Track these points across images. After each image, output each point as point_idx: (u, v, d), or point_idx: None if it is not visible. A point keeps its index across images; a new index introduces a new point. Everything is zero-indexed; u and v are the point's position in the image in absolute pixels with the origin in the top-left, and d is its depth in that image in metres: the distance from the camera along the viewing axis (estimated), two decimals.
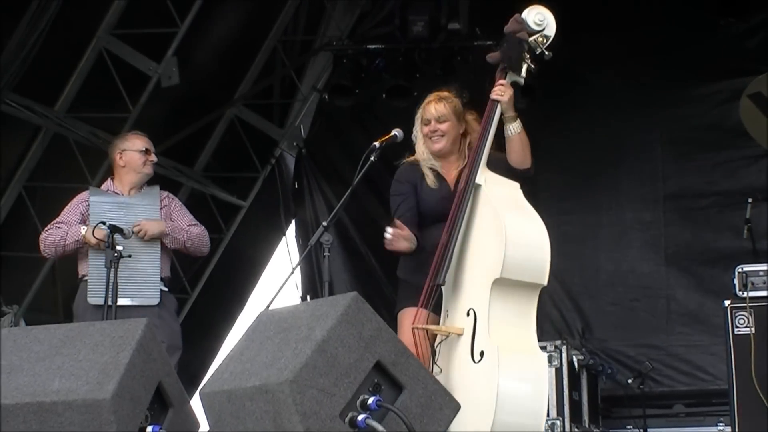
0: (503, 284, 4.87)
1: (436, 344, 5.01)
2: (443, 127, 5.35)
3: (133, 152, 6.38)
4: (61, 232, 6.18)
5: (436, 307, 5.09)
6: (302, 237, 10.07)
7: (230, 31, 9.14)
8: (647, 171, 9.11)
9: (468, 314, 4.94)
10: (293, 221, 10.28)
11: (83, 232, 6.10)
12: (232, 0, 8.93)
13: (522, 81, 5.22)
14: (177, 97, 8.85)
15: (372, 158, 5.39)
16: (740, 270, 6.69)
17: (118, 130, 6.82)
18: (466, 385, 4.83)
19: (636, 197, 9.15)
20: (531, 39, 5.17)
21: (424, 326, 4.99)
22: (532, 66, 5.19)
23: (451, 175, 5.36)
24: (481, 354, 4.83)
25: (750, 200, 7.81)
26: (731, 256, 8.03)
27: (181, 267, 8.64)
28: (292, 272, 5.54)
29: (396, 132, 5.52)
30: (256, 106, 9.96)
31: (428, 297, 5.01)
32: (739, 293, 6.60)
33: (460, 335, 4.93)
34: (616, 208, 9.20)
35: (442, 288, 5.04)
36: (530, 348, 4.92)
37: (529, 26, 5.18)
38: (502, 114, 5.18)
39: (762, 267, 6.73)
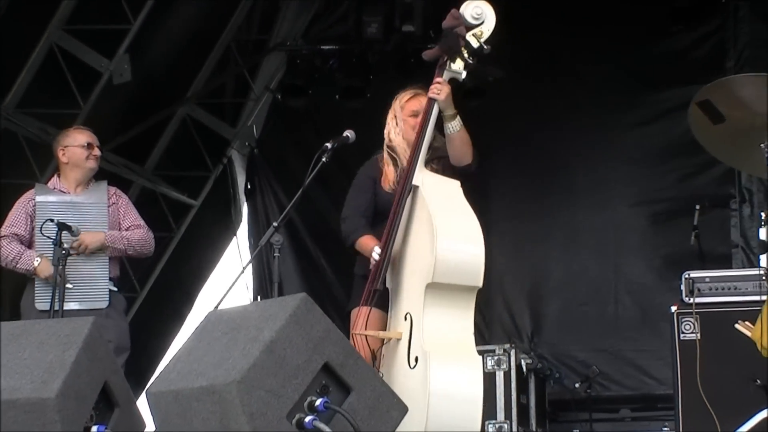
0: (437, 288, 4.85)
1: (378, 349, 5.01)
2: None
3: (75, 147, 6.32)
4: (14, 252, 6.12)
5: (386, 306, 5.09)
6: (253, 237, 10.04)
7: (183, 29, 9.08)
8: (598, 176, 9.17)
9: (405, 318, 4.94)
10: (244, 221, 10.25)
11: (36, 264, 6.06)
12: None
13: (461, 76, 5.19)
14: (129, 95, 8.78)
15: (324, 159, 5.40)
16: (687, 276, 6.75)
17: (68, 126, 6.75)
18: (402, 390, 4.80)
19: (587, 202, 9.20)
20: (469, 33, 5.15)
21: (364, 332, 4.98)
22: (471, 61, 5.17)
23: None
24: (416, 360, 4.84)
25: (698, 207, 7.89)
26: (679, 262, 8.10)
27: (131, 266, 8.58)
28: (242, 272, 5.51)
29: (348, 133, 5.53)
30: (209, 105, 9.91)
31: (370, 299, 5.01)
32: (686, 299, 6.66)
33: (399, 340, 4.93)
34: (567, 212, 9.25)
35: (389, 289, 5.05)
36: (465, 352, 4.89)
37: (466, 20, 5.15)
38: (441, 112, 5.17)
39: (708, 273, 6.80)
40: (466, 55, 5.14)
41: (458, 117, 5.20)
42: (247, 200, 10.17)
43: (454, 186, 5.10)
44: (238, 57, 9.76)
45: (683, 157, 8.59)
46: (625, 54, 8.95)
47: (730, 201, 8.83)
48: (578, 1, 8.77)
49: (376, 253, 5.09)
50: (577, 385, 8.39)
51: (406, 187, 5.06)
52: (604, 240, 9.13)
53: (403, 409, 4.15)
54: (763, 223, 5.06)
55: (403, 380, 4.87)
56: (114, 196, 6.41)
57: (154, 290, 9.79)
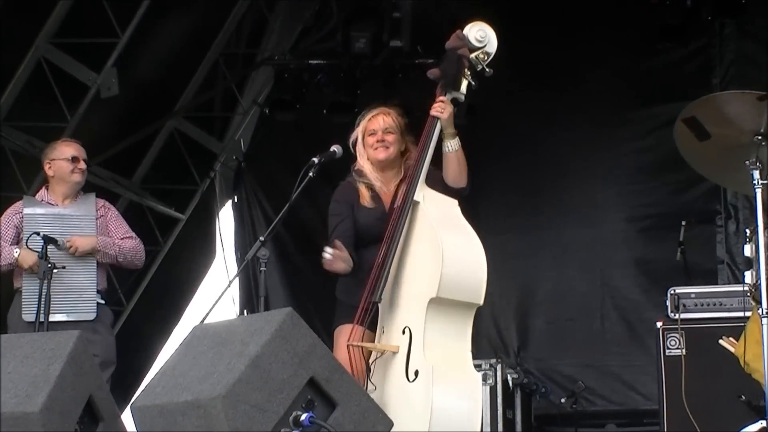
0: (439, 303, 4.88)
1: (371, 361, 5.02)
2: (389, 138, 5.36)
3: (60, 161, 6.31)
4: None
5: (372, 325, 5.10)
6: (240, 251, 10.03)
7: (172, 43, 9.09)
8: (586, 192, 9.19)
9: (404, 332, 4.94)
10: (232, 236, 10.24)
11: (16, 254, 6.04)
12: (174, 12, 8.88)
13: (462, 97, 5.23)
14: (116, 108, 8.78)
15: (311, 174, 5.40)
16: (672, 292, 6.78)
17: (55, 139, 6.74)
18: (400, 404, 4.83)
19: (574, 217, 9.23)
20: (472, 55, 5.19)
21: (359, 343, 4.99)
22: (473, 83, 5.21)
23: (388, 193, 5.37)
24: (416, 373, 4.84)
25: (684, 223, 7.93)
26: (665, 277, 8.12)
27: (117, 279, 8.57)
28: (228, 286, 5.52)
29: (335, 148, 5.54)
30: (197, 118, 9.91)
31: (364, 314, 5.01)
32: (671, 315, 6.69)
33: (395, 353, 4.94)
34: (554, 228, 9.27)
35: (379, 305, 5.05)
36: (465, 367, 4.93)
37: (470, 42, 5.19)
38: (441, 130, 5.20)
39: (694, 289, 6.83)
40: (468, 77, 5.16)
41: (457, 137, 5.22)
42: (234, 214, 10.16)
43: (452, 204, 5.14)
44: (226, 71, 9.77)
45: (670, 172, 8.62)
46: (614, 70, 9.00)
47: (716, 217, 8.87)
48: (567, 19, 8.82)
49: (326, 253, 5.08)
50: (563, 400, 8.39)
51: (407, 202, 5.08)
52: (591, 255, 9.15)
53: (388, 425, 4.16)
54: (747, 240, 5.07)
55: (399, 394, 4.88)
56: (102, 209, 6.40)
57: (141, 304, 9.78)
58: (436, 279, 4.84)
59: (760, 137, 4.88)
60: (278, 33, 9.77)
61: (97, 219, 6.32)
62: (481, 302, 4.95)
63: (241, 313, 9.60)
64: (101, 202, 6.45)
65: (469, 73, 5.19)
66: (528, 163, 9.18)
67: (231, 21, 9.50)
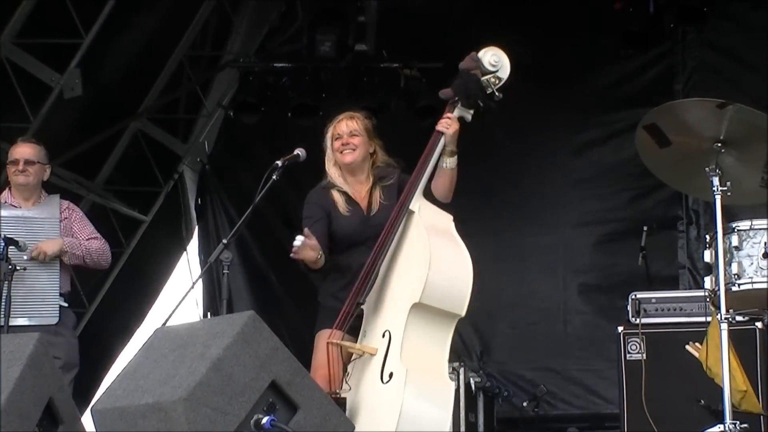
0: (421, 309, 4.92)
1: (349, 363, 5.04)
2: (355, 141, 5.39)
3: (7, 164, 6.28)
4: None
5: (353, 330, 5.12)
6: (204, 253, 10.01)
7: (136, 44, 9.06)
8: (548, 196, 9.24)
9: (383, 335, 4.98)
10: (195, 237, 10.21)
11: None
12: (138, 13, 8.85)
13: (469, 117, 5.30)
14: (80, 109, 8.74)
15: (274, 176, 5.42)
16: (633, 297, 6.84)
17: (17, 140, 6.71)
18: (371, 405, 4.87)
19: (537, 221, 9.27)
20: (483, 78, 5.26)
21: (338, 342, 5.01)
22: (482, 105, 5.27)
23: (361, 196, 5.40)
24: (390, 375, 4.88)
25: (646, 228, 7.99)
26: (627, 282, 8.17)
27: (79, 280, 8.50)
28: (190, 289, 5.52)
29: (299, 151, 5.55)
30: (161, 120, 9.87)
31: (346, 317, 5.04)
32: (632, 319, 6.74)
33: (373, 355, 4.97)
34: (517, 232, 9.30)
35: (363, 309, 5.08)
36: (440, 375, 4.97)
37: (483, 66, 5.28)
38: (444, 146, 5.24)
39: (654, 294, 6.88)
40: (478, 99, 5.23)
41: (456, 156, 5.27)
42: (197, 216, 10.13)
43: (448, 219, 5.21)
44: (191, 73, 9.74)
45: (632, 178, 8.68)
46: (576, 76, 9.04)
47: (677, 223, 8.93)
48: (529, 25, 8.85)
49: (297, 240, 5.09)
50: (525, 404, 8.43)
51: (402, 210, 5.13)
52: (553, 260, 9.20)
53: (350, 427, 4.17)
54: (707, 246, 5.12)
55: (372, 395, 4.91)
56: (67, 210, 6.37)
57: (103, 306, 9.73)
58: (421, 284, 4.90)
59: (719, 144, 4.93)
60: (243, 35, 9.76)
61: (61, 221, 6.28)
62: (463, 314, 5.01)
63: (205, 315, 9.57)
64: (65, 203, 6.41)
65: (480, 94, 5.25)
66: (489, 168, 9.20)
67: (196, 23, 9.47)
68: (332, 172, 5.44)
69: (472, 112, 5.29)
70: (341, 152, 5.39)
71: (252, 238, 9.73)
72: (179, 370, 3.91)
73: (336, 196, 5.38)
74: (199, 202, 10.14)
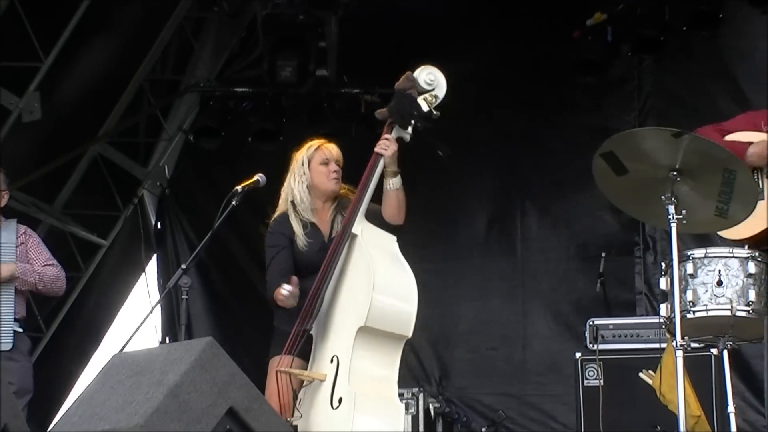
0: (368, 333, 4.94)
1: (300, 390, 5.03)
2: (339, 169, 5.43)
3: None
4: None
5: (306, 354, 5.12)
6: (164, 278, 9.96)
7: (96, 68, 9.04)
8: (507, 222, 9.26)
9: (332, 360, 5.00)
10: (155, 262, 10.17)
11: None
12: (99, 36, 8.84)
13: (408, 137, 5.33)
14: (39, 133, 8.70)
15: (234, 202, 5.44)
16: (591, 323, 6.89)
17: None
18: (322, 431, 4.85)
19: (495, 247, 9.29)
20: (420, 97, 5.29)
21: (287, 370, 5.01)
22: (419, 124, 5.29)
23: (324, 223, 5.41)
24: (340, 400, 4.89)
25: (604, 254, 8.05)
26: (585, 308, 8.23)
27: (37, 305, 8.47)
28: (148, 315, 5.49)
29: (258, 177, 5.58)
30: (121, 144, 9.84)
31: (294, 343, 5.04)
32: (590, 346, 6.78)
33: (322, 381, 4.97)
34: (476, 258, 9.32)
35: (313, 335, 5.07)
36: (389, 397, 4.98)
37: (419, 85, 5.32)
38: (384, 167, 5.25)
39: (612, 321, 6.94)
40: (413, 119, 5.23)
41: (399, 176, 5.28)
42: (157, 241, 10.09)
43: (391, 240, 5.20)
44: (151, 97, 9.73)
45: (590, 205, 8.73)
46: (533, 101, 9.10)
47: (634, 249, 8.99)
48: (487, 51, 8.91)
49: (283, 289, 5.09)
50: (484, 429, 8.45)
51: (345, 234, 5.13)
52: (512, 285, 9.22)
53: None
54: (663, 273, 5.17)
55: (322, 421, 4.92)
56: (23, 236, 6.33)
57: (61, 330, 9.66)
58: (366, 307, 4.91)
59: (675, 173, 4.98)
60: (204, 60, 9.76)
61: (17, 246, 6.25)
62: (410, 335, 5.03)
63: (163, 341, 9.52)
64: (23, 228, 6.38)
65: (416, 113, 5.26)
66: (447, 193, 9.24)
67: (157, 47, 9.47)
68: (301, 194, 5.41)
69: (410, 131, 5.30)
70: (330, 179, 5.40)
71: (212, 264, 9.70)
72: (136, 397, 3.90)
73: (296, 228, 5.38)
74: (159, 226, 10.10)
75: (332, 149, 5.44)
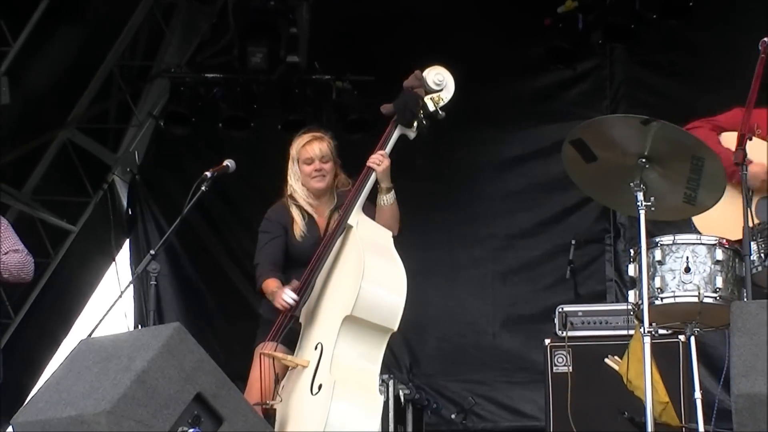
0: (353, 322, 4.97)
1: (284, 375, 5.05)
2: (326, 167, 5.46)
3: None
4: None
5: (293, 344, 5.14)
6: (134, 264, 9.94)
7: (66, 53, 8.98)
8: (477, 210, 9.28)
9: (316, 348, 5.03)
10: (125, 248, 10.13)
11: None
12: (68, 21, 8.78)
13: (412, 135, 5.38)
14: (7, 118, 8.64)
15: (203, 187, 5.44)
16: (560, 310, 6.91)
17: None
18: (300, 416, 4.91)
19: (466, 235, 9.31)
20: (427, 97, 5.34)
21: (271, 353, 5.01)
22: (424, 123, 5.31)
23: (322, 218, 5.44)
24: (320, 387, 4.92)
25: (574, 242, 8.08)
26: (555, 295, 8.25)
27: (5, 291, 8.42)
28: (117, 300, 5.48)
29: (228, 162, 5.59)
30: (90, 130, 9.79)
31: (280, 329, 5.05)
32: (559, 333, 6.81)
33: (305, 367, 4.99)
34: (447, 245, 9.34)
35: (302, 323, 5.09)
36: (369, 388, 5.01)
37: (427, 84, 5.38)
38: (377, 181, 5.26)
39: (581, 308, 6.96)
40: (420, 116, 5.31)
41: (393, 191, 5.34)
42: (128, 227, 10.05)
43: (387, 235, 5.23)
44: (122, 82, 9.68)
45: (560, 192, 8.75)
46: (505, 90, 9.11)
47: (604, 236, 9.02)
48: (458, 38, 8.90)
49: (288, 296, 5.11)
50: (453, 416, 8.47)
51: (340, 225, 5.16)
52: (482, 273, 9.24)
53: None
54: (631, 260, 5.19)
55: (301, 407, 4.94)
56: None
57: (29, 317, 9.61)
58: (353, 296, 4.94)
59: (643, 160, 5.00)
60: (175, 46, 9.72)
61: None
62: (395, 329, 5.05)
63: (135, 327, 9.50)
64: None
65: (421, 112, 5.28)
66: (416, 182, 9.24)
67: (127, 32, 9.42)
68: (298, 189, 5.45)
69: (414, 130, 5.34)
70: (312, 177, 5.43)
71: (182, 249, 9.68)
72: (103, 383, 3.89)
73: (296, 216, 5.40)
74: (129, 212, 10.07)
75: (315, 148, 5.44)
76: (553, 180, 8.66)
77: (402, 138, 5.36)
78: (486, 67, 8.99)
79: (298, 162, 5.46)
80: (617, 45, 8.98)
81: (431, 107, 5.35)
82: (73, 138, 9.65)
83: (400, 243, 9.33)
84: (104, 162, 10.05)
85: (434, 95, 5.38)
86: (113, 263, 10.10)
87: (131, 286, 9.12)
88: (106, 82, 9.57)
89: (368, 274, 4.96)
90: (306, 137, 5.50)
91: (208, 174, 5.45)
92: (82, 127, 9.68)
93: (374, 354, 5.05)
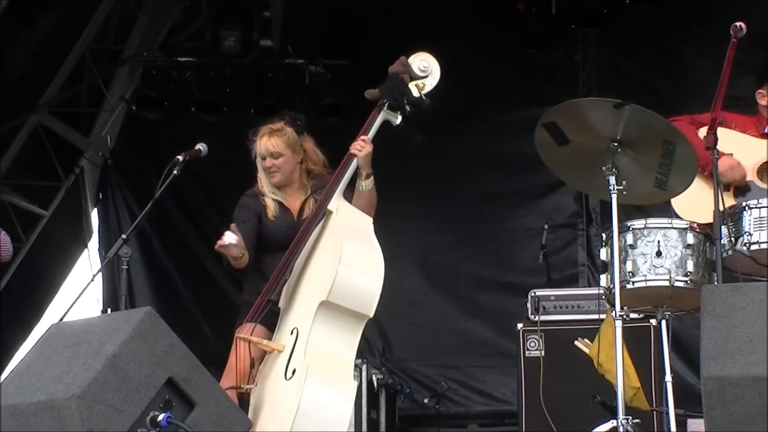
0: (329, 308, 4.96)
1: (261, 360, 5.04)
2: (278, 162, 5.46)
3: None
4: None
5: (274, 326, 5.16)
6: (105, 249, 9.89)
7: (36, 37, 8.91)
8: (448, 195, 9.26)
9: (292, 332, 5.02)
10: (96, 232, 10.09)
11: None
12: (39, 4, 8.71)
13: (396, 121, 5.40)
14: None
15: (175, 171, 5.45)
16: (533, 294, 6.93)
17: None
18: (274, 401, 4.90)
19: (438, 220, 9.30)
20: (412, 83, 5.36)
21: (247, 337, 5.01)
22: (408, 108, 5.31)
23: (294, 205, 5.45)
24: (293, 372, 4.91)
25: (546, 226, 8.09)
26: (528, 280, 8.27)
27: None
28: (88, 285, 5.46)
29: (200, 146, 5.59)
30: (62, 114, 9.73)
31: (257, 312, 5.05)
32: (532, 317, 6.83)
33: (281, 352, 4.98)
34: (418, 230, 9.33)
35: (281, 307, 5.09)
36: (343, 374, 5.00)
37: (412, 70, 5.38)
38: (358, 169, 5.26)
39: (553, 292, 6.99)
40: (405, 102, 5.31)
41: (372, 177, 5.37)
42: (99, 211, 10.00)
43: (366, 221, 5.23)
44: (93, 66, 9.62)
45: (532, 176, 8.75)
46: (479, 75, 9.10)
47: (577, 221, 9.05)
48: (432, 24, 8.88)
49: (228, 236, 5.09)
50: (426, 401, 8.48)
51: (320, 210, 5.17)
52: (454, 258, 9.24)
53: (247, 425, 4.17)
54: (603, 244, 5.21)
55: (274, 391, 4.93)
56: None
57: (1, 301, 9.55)
58: (330, 280, 4.92)
59: (616, 144, 5.01)
60: (147, 29, 9.66)
61: None
62: (371, 315, 5.05)
63: (105, 312, 9.46)
64: None
65: (405, 98, 5.33)
66: (388, 166, 9.20)
67: (98, 15, 9.36)
68: (263, 180, 5.51)
69: (398, 115, 5.35)
70: (268, 172, 5.45)
71: (154, 234, 9.64)
72: (74, 367, 3.87)
73: (268, 202, 5.43)
74: (101, 197, 10.03)
75: (266, 144, 5.47)
76: (525, 164, 8.66)
77: (387, 123, 5.36)
78: (458, 53, 8.95)
79: (258, 156, 5.47)
80: (590, 30, 8.99)
81: (415, 93, 5.37)
82: (45, 122, 9.59)
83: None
84: (76, 146, 9.99)
85: (419, 81, 5.40)
86: (85, 249, 10.07)
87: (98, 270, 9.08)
88: (77, 65, 9.51)
89: (345, 258, 4.96)
90: (262, 131, 5.52)
91: (180, 158, 5.44)
92: (53, 111, 9.63)
93: (349, 340, 5.04)
